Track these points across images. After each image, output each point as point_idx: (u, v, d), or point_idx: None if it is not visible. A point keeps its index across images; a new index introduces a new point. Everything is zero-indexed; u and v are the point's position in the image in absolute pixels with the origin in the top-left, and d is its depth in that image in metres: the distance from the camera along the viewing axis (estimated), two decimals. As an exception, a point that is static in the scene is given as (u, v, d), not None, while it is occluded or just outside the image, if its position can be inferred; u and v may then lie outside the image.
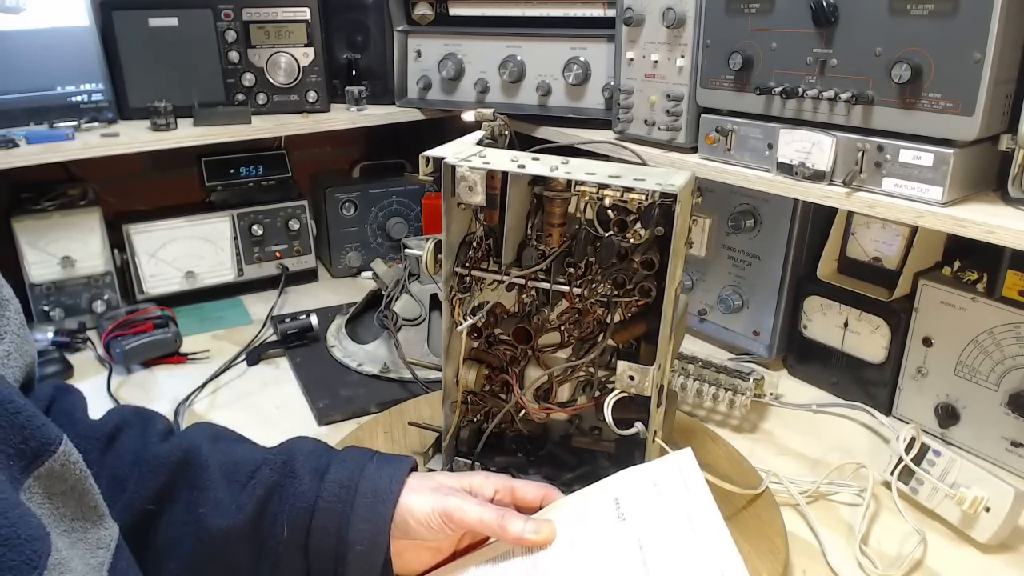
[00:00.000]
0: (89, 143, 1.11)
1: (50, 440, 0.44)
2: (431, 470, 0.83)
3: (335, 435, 0.92)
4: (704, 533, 0.58)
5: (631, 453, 0.80)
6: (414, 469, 0.64)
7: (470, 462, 0.79)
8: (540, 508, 0.65)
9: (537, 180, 0.73)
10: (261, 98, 1.28)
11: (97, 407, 0.65)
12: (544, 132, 1.18)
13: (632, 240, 0.70)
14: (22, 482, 0.42)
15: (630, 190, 0.66)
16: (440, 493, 0.61)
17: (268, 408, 1.03)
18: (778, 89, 0.83)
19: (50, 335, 1.16)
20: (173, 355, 1.14)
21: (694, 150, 0.97)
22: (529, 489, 0.65)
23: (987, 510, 0.76)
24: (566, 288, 0.74)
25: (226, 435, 0.65)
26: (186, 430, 0.64)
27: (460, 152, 0.74)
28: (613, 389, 0.72)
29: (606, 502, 0.62)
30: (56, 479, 0.44)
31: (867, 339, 1.00)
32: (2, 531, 0.37)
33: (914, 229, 0.94)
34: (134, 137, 1.15)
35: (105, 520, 0.48)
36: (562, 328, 0.77)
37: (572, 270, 0.73)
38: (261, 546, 0.58)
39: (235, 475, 0.60)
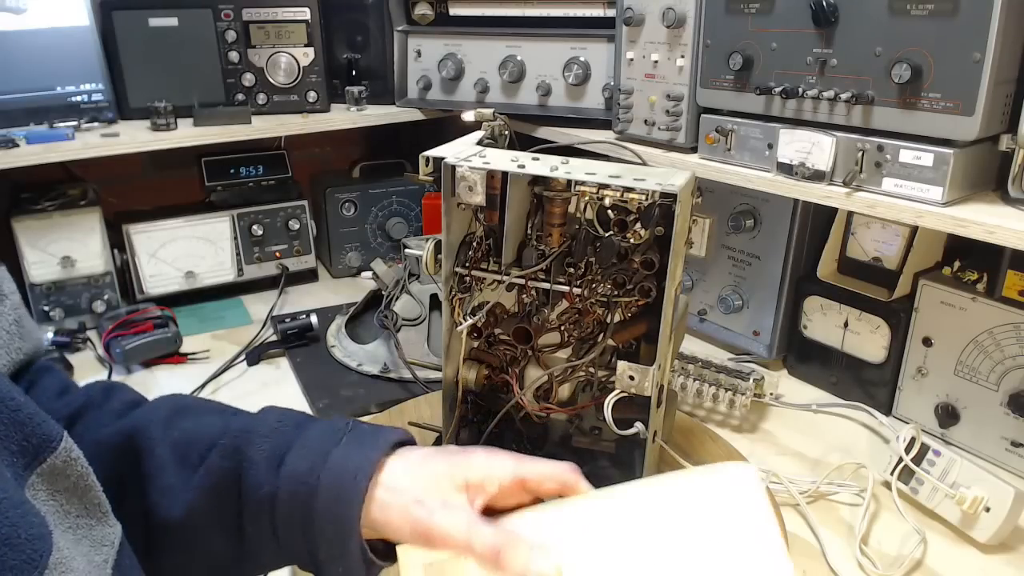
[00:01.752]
0: (89, 143, 1.11)
1: (51, 436, 0.44)
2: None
3: (335, 435, 0.92)
4: (761, 565, 0.48)
5: (631, 453, 0.80)
6: (398, 445, 0.54)
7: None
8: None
9: (537, 180, 0.73)
10: (261, 98, 1.28)
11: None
12: (544, 132, 1.18)
13: (632, 240, 0.70)
14: (26, 479, 0.42)
15: (630, 190, 0.66)
16: (421, 509, 0.50)
17: (268, 408, 1.03)
18: (778, 89, 0.83)
19: (50, 335, 1.16)
20: (173, 355, 1.14)
21: (694, 150, 0.97)
22: (544, 481, 0.54)
23: (987, 510, 0.76)
24: (566, 288, 0.74)
25: (191, 408, 0.59)
26: (145, 405, 0.59)
27: (460, 152, 0.74)
28: (613, 389, 0.72)
29: (643, 511, 0.52)
30: (59, 476, 0.44)
31: (867, 339, 1.00)
32: (3, 530, 0.36)
33: (914, 229, 0.94)
34: (134, 137, 1.15)
35: (109, 517, 0.47)
36: (562, 328, 0.77)
37: (572, 270, 0.73)
38: (228, 532, 0.53)
39: (186, 457, 0.54)
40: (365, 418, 0.97)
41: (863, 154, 0.78)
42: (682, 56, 0.94)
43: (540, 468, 0.54)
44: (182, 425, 0.56)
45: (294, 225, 1.37)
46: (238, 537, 0.53)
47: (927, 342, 0.94)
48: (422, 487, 0.51)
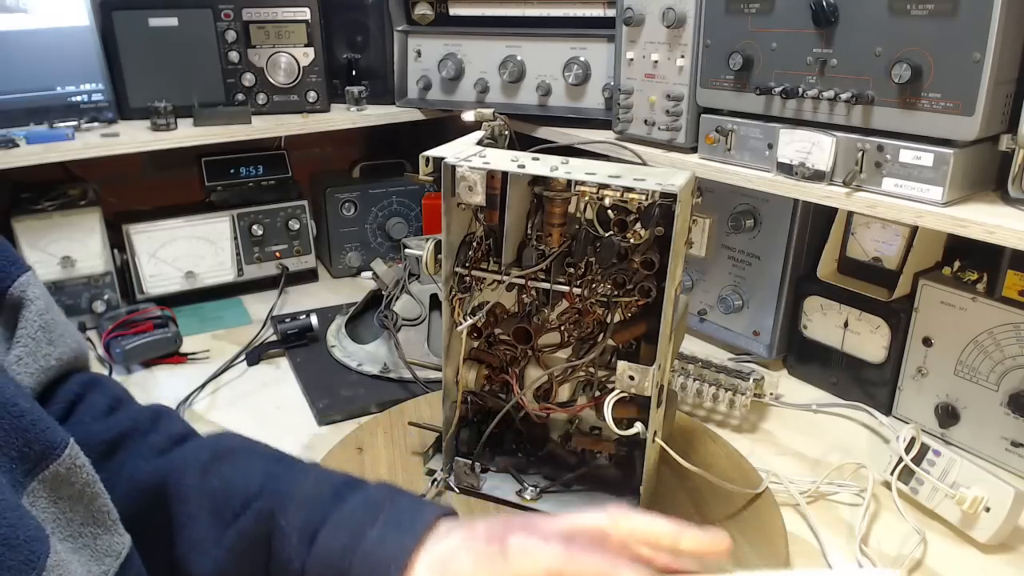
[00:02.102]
0: (89, 143, 1.11)
1: (55, 444, 0.44)
2: (431, 471, 0.83)
3: (335, 435, 0.92)
4: None
5: (631, 453, 0.80)
6: (438, 519, 0.50)
7: (470, 462, 0.79)
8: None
9: (537, 180, 0.73)
10: (261, 98, 1.28)
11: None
12: (544, 132, 1.18)
13: (632, 240, 0.70)
14: (25, 485, 0.42)
15: (630, 190, 0.66)
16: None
17: (268, 408, 1.03)
18: (778, 89, 0.83)
19: (50, 335, 1.16)
20: (173, 355, 1.14)
21: (694, 150, 0.97)
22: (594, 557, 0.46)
23: (987, 510, 0.76)
24: (566, 288, 0.74)
25: (234, 452, 0.57)
26: (188, 445, 0.57)
27: (460, 152, 0.74)
28: (613, 389, 0.72)
29: None
30: (62, 483, 0.44)
31: (867, 339, 1.00)
32: (1, 531, 0.36)
33: (914, 229, 0.94)
34: (134, 137, 1.15)
35: (117, 527, 0.47)
36: (562, 328, 0.77)
37: (572, 270, 0.73)
38: None
39: (221, 511, 0.52)
40: (365, 419, 0.97)
41: (863, 154, 0.78)
42: (682, 56, 0.94)
43: (589, 558, 0.46)
44: (222, 471, 0.54)
45: (294, 225, 1.37)
46: None
47: (927, 342, 0.94)
48: None
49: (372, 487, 0.54)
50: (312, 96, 1.28)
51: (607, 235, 0.71)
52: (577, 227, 0.74)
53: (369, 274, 1.21)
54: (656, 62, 0.97)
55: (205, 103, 1.23)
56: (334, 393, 1.04)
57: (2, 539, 0.36)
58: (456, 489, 0.80)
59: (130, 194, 1.37)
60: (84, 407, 0.58)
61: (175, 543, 0.52)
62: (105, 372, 1.10)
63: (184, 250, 1.30)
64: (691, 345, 1.14)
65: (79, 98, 1.19)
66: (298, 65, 1.27)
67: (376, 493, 0.53)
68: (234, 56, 1.25)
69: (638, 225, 0.69)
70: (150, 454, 0.55)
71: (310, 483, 0.53)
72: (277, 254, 1.38)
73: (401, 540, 0.49)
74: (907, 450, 0.82)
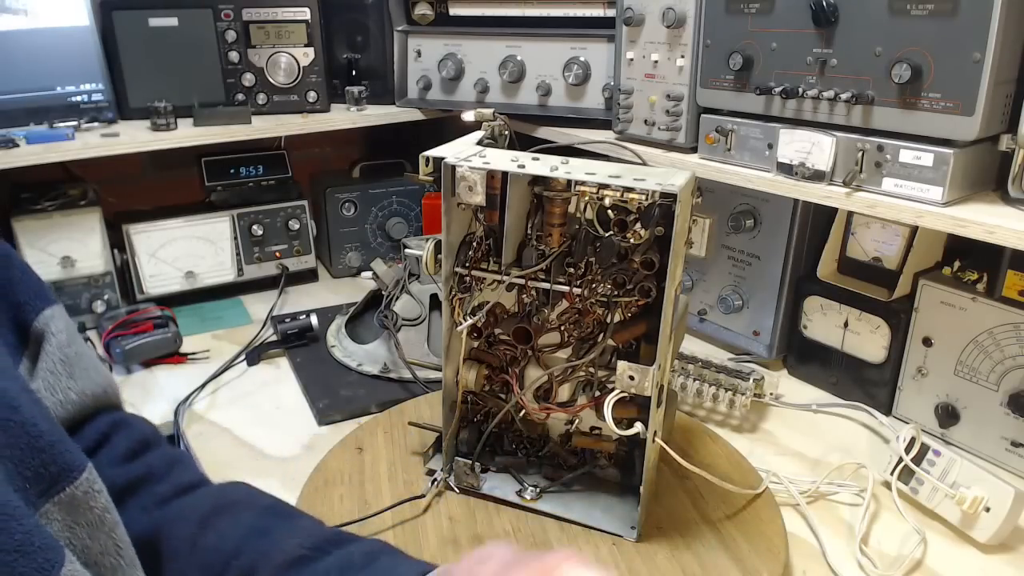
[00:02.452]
0: (89, 143, 1.11)
1: (72, 466, 0.43)
2: (431, 471, 0.83)
3: (335, 435, 0.92)
4: None
5: (631, 453, 0.80)
6: None
7: (470, 462, 0.79)
8: None
9: (537, 180, 0.73)
10: (261, 98, 1.28)
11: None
12: (544, 132, 1.18)
13: (632, 240, 0.69)
14: (39, 506, 0.41)
15: (630, 190, 0.66)
16: None
17: (268, 408, 1.03)
18: (778, 89, 0.83)
19: (50, 335, 1.16)
20: (173, 355, 1.14)
21: (694, 150, 0.97)
22: None
23: (987, 510, 0.76)
24: (566, 288, 0.74)
25: (235, 505, 0.56)
26: (190, 497, 0.57)
27: (460, 152, 0.74)
28: (613, 389, 0.72)
29: None
30: (79, 507, 0.43)
31: (867, 339, 1.00)
32: (16, 536, 0.36)
33: (914, 229, 0.94)
34: (134, 137, 1.15)
35: (135, 566, 0.46)
36: (562, 328, 0.77)
37: (572, 270, 0.73)
38: None
39: (211, 567, 0.52)
40: (365, 419, 0.97)
41: (863, 154, 0.78)
42: (682, 56, 0.94)
43: None
44: (219, 526, 0.54)
45: (294, 225, 1.37)
46: None
47: (927, 342, 0.94)
48: None
49: (356, 545, 0.53)
50: (312, 96, 1.28)
51: (607, 235, 0.71)
52: (577, 227, 0.74)
53: (369, 274, 1.21)
54: (656, 62, 0.97)
55: (205, 103, 1.23)
56: (334, 393, 1.04)
57: (16, 546, 0.36)
58: (456, 489, 0.80)
59: (130, 194, 1.37)
60: (106, 450, 0.57)
61: None
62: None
63: (184, 250, 1.30)
64: (691, 345, 1.14)
65: (79, 98, 1.19)
66: (298, 65, 1.27)
67: (356, 551, 0.52)
68: (234, 56, 1.25)
69: (638, 225, 0.69)
70: (152, 505, 0.55)
71: (293, 539, 0.53)
72: (277, 254, 1.38)
73: None
74: (907, 450, 0.82)
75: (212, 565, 0.52)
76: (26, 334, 0.54)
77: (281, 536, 0.53)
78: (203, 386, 1.07)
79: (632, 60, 1.00)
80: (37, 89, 1.15)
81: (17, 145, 1.07)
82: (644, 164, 0.95)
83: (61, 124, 1.14)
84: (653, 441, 0.73)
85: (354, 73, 1.33)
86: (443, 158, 0.72)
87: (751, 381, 0.96)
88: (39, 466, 0.41)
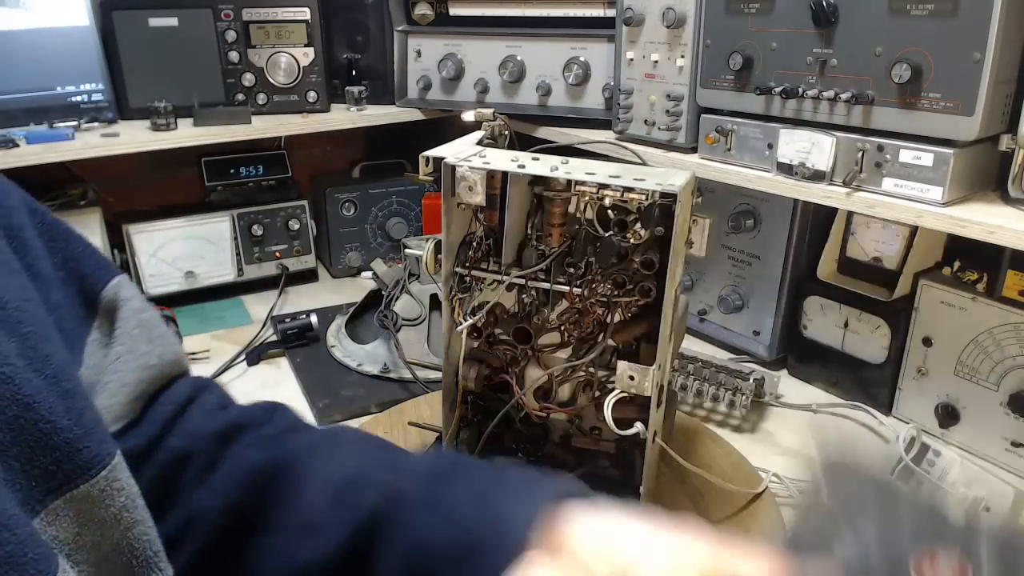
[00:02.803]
0: (89, 143, 1.11)
1: (91, 464, 0.41)
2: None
3: (335, 435, 0.92)
4: None
5: (631, 453, 0.80)
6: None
7: (470, 462, 0.79)
8: None
9: (537, 180, 0.73)
10: (261, 98, 1.28)
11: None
12: (544, 132, 1.18)
13: (632, 240, 0.70)
14: (47, 504, 0.40)
15: (630, 190, 0.66)
16: None
17: (268, 408, 1.03)
18: (778, 89, 0.83)
19: (50, 335, 1.16)
20: (173, 355, 1.14)
21: (694, 150, 0.97)
22: None
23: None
24: (566, 288, 0.74)
25: (354, 442, 0.56)
26: (305, 434, 0.56)
27: (460, 152, 0.74)
28: (613, 389, 0.72)
29: None
30: (94, 504, 0.42)
31: (867, 339, 1.00)
32: (8, 547, 0.35)
33: (914, 229, 0.94)
34: (134, 137, 1.15)
35: (158, 559, 0.44)
36: (562, 328, 0.77)
37: (572, 270, 0.73)
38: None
39: (344, 495, 0.50)
40: (365, 419, 0.97)
41: (863, 154, 0.78)
42: (682, 56, 0.94)
43: None
44: (343, 458, 0.52)
45: (294, 225, 1.37)
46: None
47: (927, 342, 0.94)
48: None
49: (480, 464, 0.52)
50: (312, 96, 1.28)
51: (607, 235, 0.71)
52: (577, 227, 0.74)
53: (369, 274, 1.21)
54: (656, 62, 0.97)
55: (205, 103, 1.23)
56: (334, 393, 1.04)
57: (7, 557, 0.35)
58: (456, 489, 0.80)
59: (130, 194, 1.37)
60: (198, 405, 0.56)
61: (285, 528, 0.49)
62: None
63: (184, 250, 1.30)
64: (691, 345, 1.14)
65: (79, 98, 1.19)
66: (298, 65, 1.27)
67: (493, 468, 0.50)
68: (234, 56, 1.25)
69: (638, 225, 0.69)
70: (262, 442, 0.54)
71: (426, 465, 0.51)
72: (277, 254, 1.38)
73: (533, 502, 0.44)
74: (907, 450, 0.82)
75: (345, 494, 0.49)
76: (95, 305, 0.53)
77: (408, 461, 0.52)
78: (203, 386, 1.06)
79: (632, 60, 1.00)
80: (37, 89, 1.15)
81: (17, 145, 1.07)
82: (644, 164, 0.95)
83: (61, 124, 1.14)
84: (653, 441, 0.73)
85: (354, 73, 1.33)
86: (443, 158, 0.72)
87: (751, 381, 0.96)
88: (50, 464, 0.40)
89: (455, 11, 1.21)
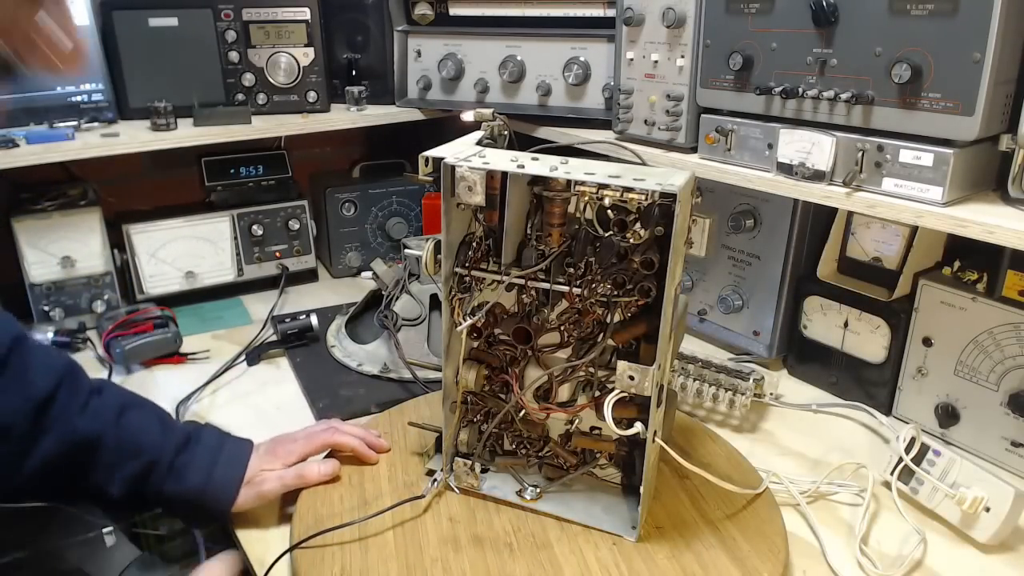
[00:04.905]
0: (89, 143, 1.11)
1: None
2: (431, 471, 0.83)
3: (335, 435, 0.92)
4: None
5: (631, 453, 0.80)
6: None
7: (470, 462, 0.79)
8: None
9: (537, 180, 0.73)
10: (261, 98, 1.28)
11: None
12: (544, 132, 1.18)
13: (632, 240, 0.70)
14: None
15: (630, 190, 0.66)
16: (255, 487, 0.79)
17: (268, 408, 1.03)
18: (778, 89, 0.83)
19: (50, 335, 1.16)
20: (173, 355, 1.14)
21: (694, 150, 0.97)
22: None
23: (987, 510, 0.76)
24: (566, 288, 0.74)
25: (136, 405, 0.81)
26: (103, 397, 0.80)
27: (460, 152, 0.74)
28: (613, 389, 0.72)
29: None
30: None
31: (867, 339, 1.00)
32: None
33: (914, 229, 0.94)
34: (134, 137, 1.15)
35: None
36: (562, 328, 0.77)
37: (572, 270, 0.73)
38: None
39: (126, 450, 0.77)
40: (365, 419, 0.97)
41: (863, 154, 0.78)
42: (682, 56, 0.94)
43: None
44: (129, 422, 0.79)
45: (294, 225, 1.37)
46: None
47: (927, 342, 0.94)
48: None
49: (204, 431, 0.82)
50: (312, 96, 1.28)
51: (607, 235, 0.71)
52: (577, 227, 0.74)
53: (369, 274, 1.21)
54: (656, 62, 0.97)
55: (205, 103, 1.23)
56: (334, 393, 1.04)
57: None
58: (456, 489, 0.80)
59: (130, 194, 1.37)
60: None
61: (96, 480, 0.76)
62: (105, 372, 1.10)
63: (184, 250, 1.30)
64: (691, 345, 1.14)
65: (79, 98, 1.19)
66: (298, 65, 1.27)
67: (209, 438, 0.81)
68: (234, 56, 1.25)
69: (638, 225, 0.69)
70: (80, 410, 0.76)
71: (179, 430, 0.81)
72: (277, 254, 1.38)
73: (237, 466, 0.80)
74: (907, 450, 0.82)
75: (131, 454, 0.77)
76: None
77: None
78: (203, 386, 1.07)
79: (632, 60, 1.00)
80: (37, 89, 1.15)
81: (17, 145, 1.07)
82: (644, 164, 0.95)
83: (61, 124, 1.14)
84: (653, 441, 0.73)
85: (354, 73, 1.33)
86: (443, 158, 0.72)
87: (751, 381, 0.96)
88: None
89: (455, 11, 1.21)
